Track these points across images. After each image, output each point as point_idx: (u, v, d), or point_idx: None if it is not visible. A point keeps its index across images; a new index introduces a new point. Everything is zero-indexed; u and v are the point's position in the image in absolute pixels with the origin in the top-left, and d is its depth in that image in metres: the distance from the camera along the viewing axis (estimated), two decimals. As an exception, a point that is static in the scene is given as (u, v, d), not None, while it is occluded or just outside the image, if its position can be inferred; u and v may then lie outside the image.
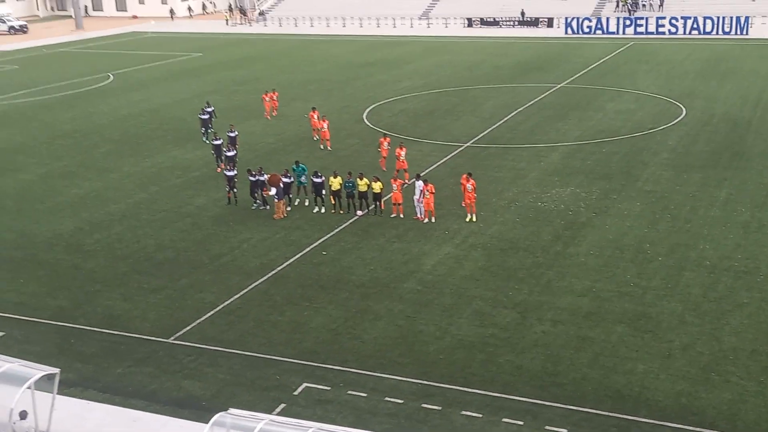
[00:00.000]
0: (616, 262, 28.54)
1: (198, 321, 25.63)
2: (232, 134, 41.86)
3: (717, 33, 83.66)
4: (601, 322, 24.37)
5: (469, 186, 32.66)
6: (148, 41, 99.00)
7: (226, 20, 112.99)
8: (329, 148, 44.05)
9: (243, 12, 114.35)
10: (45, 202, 37.98)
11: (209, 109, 47.87)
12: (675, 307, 25.09)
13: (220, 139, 41.36)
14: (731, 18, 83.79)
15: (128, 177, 41.49)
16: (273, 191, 34.10)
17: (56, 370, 18.23)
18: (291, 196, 35.24)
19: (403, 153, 37.59)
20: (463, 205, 33.18)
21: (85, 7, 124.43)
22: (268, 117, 52.58)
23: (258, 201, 35.35)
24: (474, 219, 32.69)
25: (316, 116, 45.97)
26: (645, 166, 39.29)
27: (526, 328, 24.27)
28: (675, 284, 26.64)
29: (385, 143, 39.73)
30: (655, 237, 30.57)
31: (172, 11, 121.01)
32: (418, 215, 33.18)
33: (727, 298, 25.58)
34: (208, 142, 43.13)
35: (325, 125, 44.52)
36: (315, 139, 45.95)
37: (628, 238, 30.54)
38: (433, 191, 32.76)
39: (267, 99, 53.34)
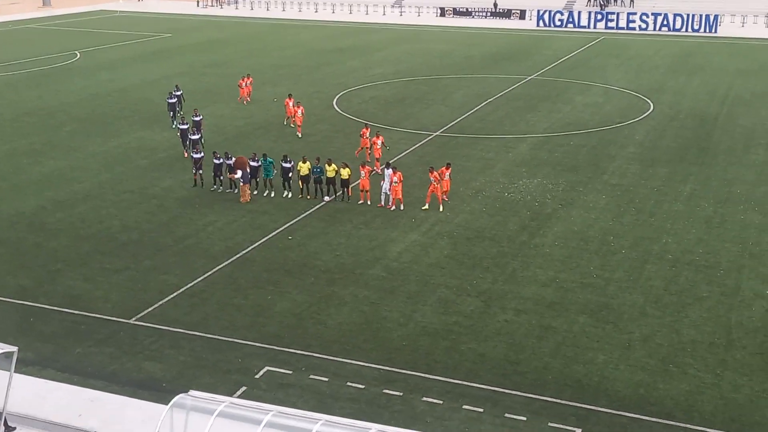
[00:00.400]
0: (581, 253, 28.79)
1: (161, 303, 25.45)
2: (196, 119, 41.26)
3: (687, 30, 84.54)
4: (564, 312, 24.58)
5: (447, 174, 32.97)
6: (117, 20, 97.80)
7: (197, 2, 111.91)
8: (299, 134, 43.82)
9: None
10: (8, 180, 37.43)
11: (178, 93, 47.30)
12: (636, 299, 25.37)
13: (186, 123, 40.82)
14: (701, 15, 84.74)
15: (94, 156, 41.01)
16: (239, 174, 33.93)
17: (14, 349, 18.01)
18: (258, 180, 35.05)
19: (379, 141, 37.52)
20: (440, 195, 32.99)
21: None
22: (244, 102, 52.04)
23: (217, 184, 35.16)
24: (441, 209, 32.79)
25: (291, 103, 45.61)
26: (612, 159, 39.62)
27: (489, 317, 24.41)
28: (637, 277, 26.94)
29: (367, 133, 39.50)
30: (620, 230, 30.87)
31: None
32: (382, 203, 33.16)
33: (688, 291, 25.92)
34: (175, 126, 42.54)
35: (300, 111, 44.28)
36: (285, 123, 45.74)
37: (592, 230, 30.80)
38: (402, 179, 32.77)
39: (243, 84, 52.69)
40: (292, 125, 45.13)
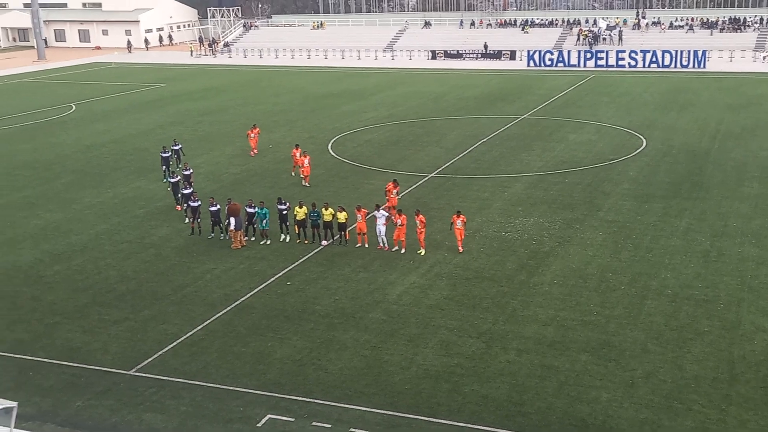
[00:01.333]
0: (580, 291, 28.73)
1: (160, 352, 25.28)
2: (186, 172, 40.78)
3: (676, 66, 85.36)
4: (566, 351, 24.45)
5: (459, 222, 32.50)
6: (112, 72, 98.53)
7: (191, 51, 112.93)
8: (307, 184, 42.87)
9: (213, 42, 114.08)
10: (4, 234, 37.37)
11: (176, 147, 46.79)
12: (638, 336, 25.26)
13: (177, 176, 40.36)
14: (689, 51, 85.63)
15: (90, 208, 41.02)
16: (232, 224, 33.82)
17: (13, 404, 17.84)
18: (256, 226, 35.03)
19: (395, 190, 37.15)
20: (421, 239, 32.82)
21: (45, 39, 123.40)
22: (251, 154, 50.61)
23: (216, 232, 35.19)
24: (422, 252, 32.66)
25: (298, 153, 44.45)
26: (607, 196, 39.73)
27: (491, 358, 24.27)
28: (637, 313, 26.85)
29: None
30: (618, 266, 30.85)
31: (129, 43, 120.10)
32: (381, 245, 33.14)
33: (689, 326, 25.83)
34: (166, 180, 41.66)
35: (306, 161, 43.32)
36: (293, 174, 44.55)
37: (591, 267, 30.78)
38: (405, 222, 32.68)
39: (252, 135, 51.14)
40: (300, 175, 43.71)
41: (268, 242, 34.54)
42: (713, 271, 30.09)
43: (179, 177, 40.32)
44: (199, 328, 26.90)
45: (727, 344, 24.57)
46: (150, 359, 24.88)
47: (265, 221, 34.70)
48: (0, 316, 28.46)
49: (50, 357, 25.29)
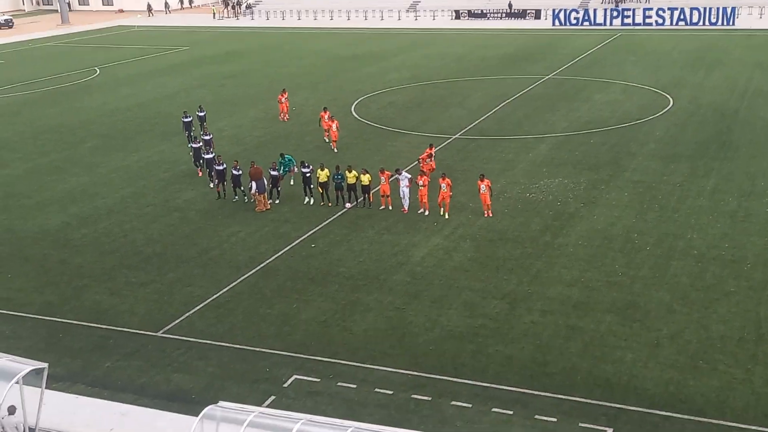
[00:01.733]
0: (605, 252, 28.63)
1: (187, 314, 25.59)
2: (206, 137, 40.78)
3: (704, 23, 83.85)
4: (590, 312, 24.45)
5: (483, 187, 31.99)
6: (135, 35, 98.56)
7: (213, 14, 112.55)
8: (335, 149, 42.38)
9: (236, 5, 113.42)
10: (31, 198, 37.79)
11: (201, 114, 46.71)
12: (663, 296, 25.19)
13: (200, 142, 40.23)
14: (718, 8, 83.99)
15: (115, 171, 41.31)
16: (253, 187, 33.94)
17: (44, 365, 18.15)
18: (280, 189, 35.14)
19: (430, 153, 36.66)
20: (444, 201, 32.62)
21: (69, 3, 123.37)
22: (284, 119, 49.82)
23: (239, 195, 35.36)
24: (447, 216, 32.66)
25: (326, 116, 43.86)
26: (632, 156, 39.38)
27: (515, 319, 24.32)
28: (663, 273, 26.74)
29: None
30: (643, 227, 30.66)
31: (149, 6, 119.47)
32: (405, 208, 33.11)
33: (715, 286, 25.70)
34: (190, 146, 41.44)
35: (335, 125, 42.81)
36: (326, 140, 43.70)
37: (616, 228, 30.63)
38: (427, 183, 32.66)
39: (282, 100, 49.98)
40: (326, 139, 43.59)
41: (291, 182, 36.04)
42: (740, 231, 29.83)
43: (201, 143, 40.32)
44: (224, 290, 27.16)
45: (754, 304, 24.44)
46: (177, 321, 25.20)
47: (293, 167, 36.10)
48: (29, 279, 28.90)
49: (79, 319, 25.69)
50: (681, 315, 24.03)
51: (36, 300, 27.19)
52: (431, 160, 36.95)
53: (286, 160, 35.78)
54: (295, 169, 36.00)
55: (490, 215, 32.22)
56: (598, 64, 64.24)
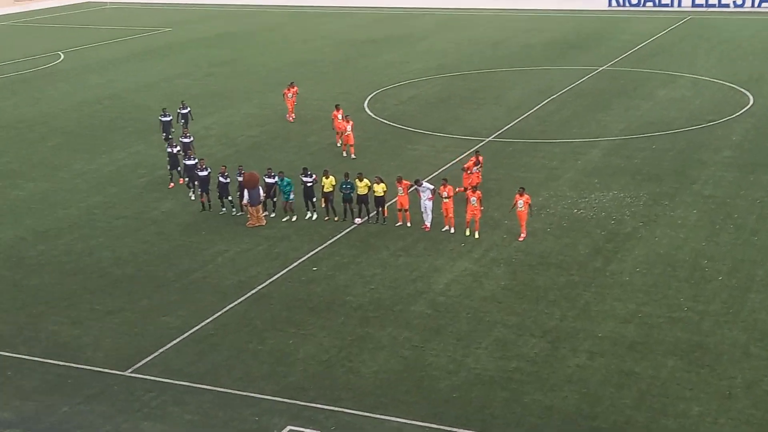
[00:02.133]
0: (668, 281, 28.54)
1: (161, 350, 25.64)
2: (186, 140, 40.76)
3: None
4: (649, 354, 24.35)
5: (521, 203, 31.91)
6: (108, 14, 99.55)
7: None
8: (353, 155, 42.14)
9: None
10: (-20, 207, 38.15)
11: (184, 111, 46.24)
12: (738, 337, 25.05)
13: (176, 146, 40.01)
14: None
15: (81, 176, 41.61)
16: (246, 197, 34.05)
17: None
18: (275, 199, 35.27)
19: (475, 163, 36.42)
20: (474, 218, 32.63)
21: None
22: (290, 119, 49.47)
23: (227, 206, 35.48)
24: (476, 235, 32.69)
25: (339, 116, 43.44)
26: (703, 165, 39.33)
27: (557, 361, 24.26)
28: (738, 309, 26.61)
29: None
30: (715, 251, 30.57)
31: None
32: (427, 225, 33.14)
33: (802, 325, 25.59)
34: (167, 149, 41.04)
35: (349, 127, 42.33)
36: (339, 144, 43.54)
37: (682, 253, 30.55)
38: (452, 194, 32.69)
39: (289, 95, 49.40)
40: (339, 143, 43.32)
41: (294, 218, 34.75)
42: (833, 259, 29.72)
43: (178, 147, 40.09)
44: (207, 321, 27.22)
45: None
46: (149, 358, 25.24)
47: (289, 194, 34.71)
48: (-25, 304, 29.14)
49: (33, 354, 25.77)
50: (759, 360, 23.88)
51: (-18, 330, 27.39)
52: (478, 169, 36.22)
53: (285, 184, 34.85)
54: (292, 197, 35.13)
55: (523, 237, 32.08)
56: (662, 54, 64.27)
